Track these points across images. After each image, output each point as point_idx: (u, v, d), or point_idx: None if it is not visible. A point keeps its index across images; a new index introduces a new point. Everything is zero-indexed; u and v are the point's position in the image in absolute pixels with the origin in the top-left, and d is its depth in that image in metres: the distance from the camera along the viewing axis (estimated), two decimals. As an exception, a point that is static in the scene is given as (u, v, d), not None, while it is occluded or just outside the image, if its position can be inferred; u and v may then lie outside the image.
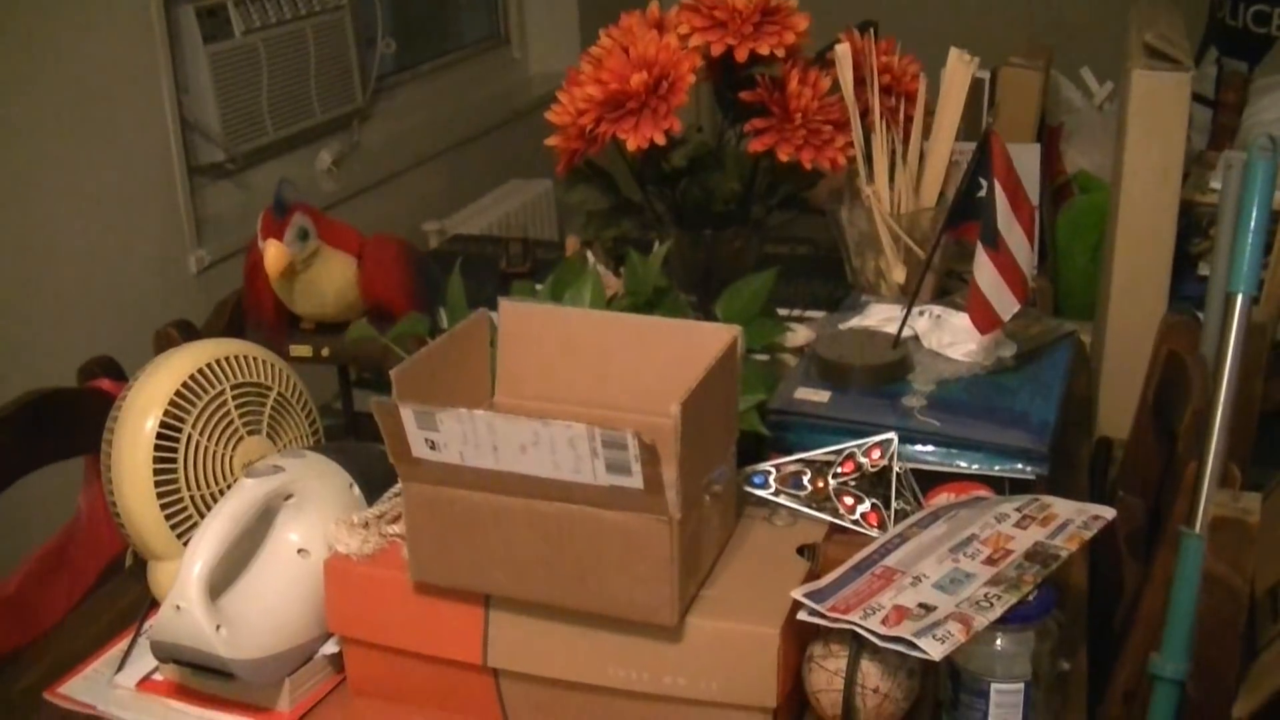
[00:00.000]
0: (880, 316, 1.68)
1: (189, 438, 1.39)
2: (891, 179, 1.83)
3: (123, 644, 1.38)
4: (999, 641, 1.16)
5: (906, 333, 1.60)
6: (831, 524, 1.35)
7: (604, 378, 1.36)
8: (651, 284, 1.56)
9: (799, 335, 1.68)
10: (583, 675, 1.20)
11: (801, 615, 1.16)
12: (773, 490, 1.38)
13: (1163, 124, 1.87)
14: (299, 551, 1.30)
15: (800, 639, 1.19)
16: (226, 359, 1.45)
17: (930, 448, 1.44)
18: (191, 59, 2.72)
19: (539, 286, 1.58)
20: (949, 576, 1.19)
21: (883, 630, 1.12)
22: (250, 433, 1.46)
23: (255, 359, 1.48)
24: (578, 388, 1.37)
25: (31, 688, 1.34)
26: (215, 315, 1.99)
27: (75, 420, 1.68)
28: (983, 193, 1.50)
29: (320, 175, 3.20)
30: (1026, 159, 1.95)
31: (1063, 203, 2.33)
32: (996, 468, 1.43)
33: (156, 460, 1.37)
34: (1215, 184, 2.23)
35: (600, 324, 1.39)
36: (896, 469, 1.38)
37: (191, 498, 1.39)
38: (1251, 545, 1.32)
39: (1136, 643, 1.56)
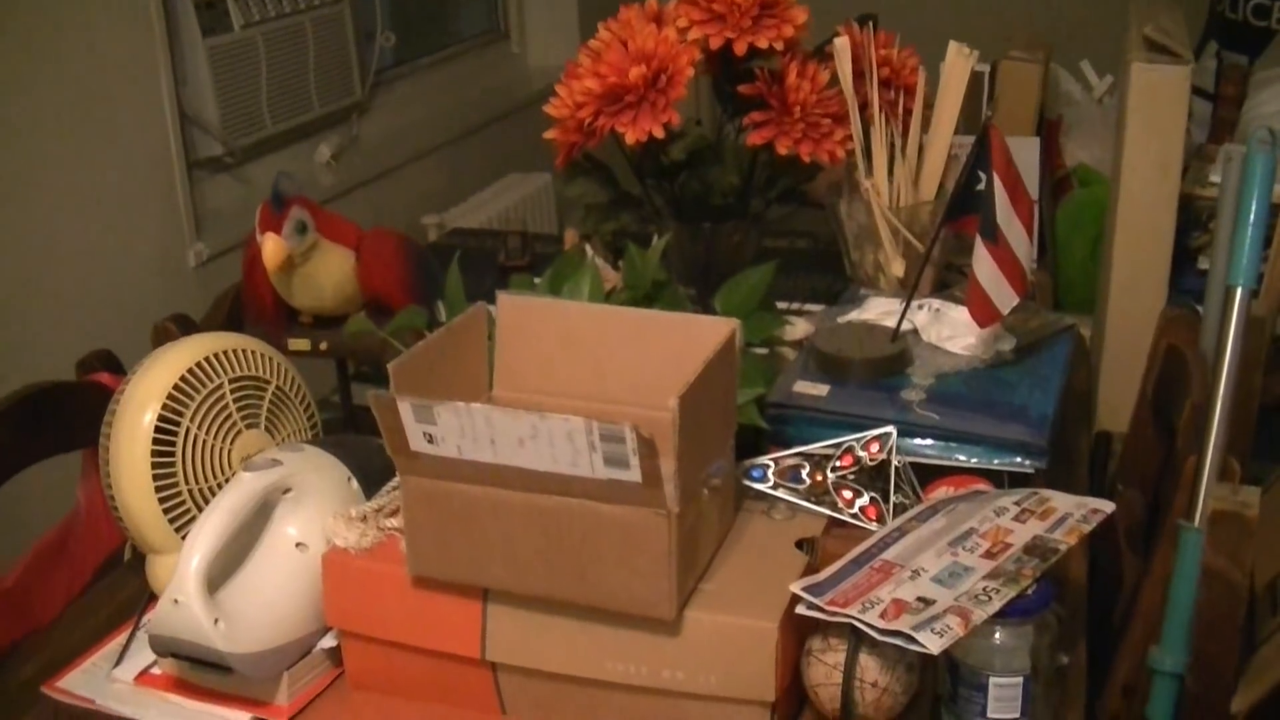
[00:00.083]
0: (879, 310, 1.67)
1: (187, 431, 1.39)
2: (890, 172, 1.83)
3: (121, 638, 1.37)
4: (998, 635, 1.16)
5: (905, 326, 1.60)
6: (830, 518, 1.35)
7: (602, 371, 1.36)
8: (650, 277, 1.55)
9: (798, 329, 1.68)
10: (581, 669, 1.20)
11: (800, 609, 1.16)
12: (771, 484, 1.38)
13: (1162, 117, 1.87)
14: (297, 545, 1.30)
15: (799, 633, 1.19)
16: (224, 353, 1.44)
17: (929, 441, 1.44)
18: (190, 53, 2.72)
19: (537, 280, 1.58)
20: (948, 570, 1.19)
21: (881, 624, 1.12)
22: (248, 426, 1.46)
23: (253, 353, 1.48)
24: (576, 381, 1.37)
25: (30, 681, 1.34)
26: (214, 309, 1.99)
27: (74, 414, 1.68)
28: (982, 186, 1.50)
29: (319, 169, 3.20)
30: (1026, 152, 1.94)
31: (1062, 196, 2.33)
32: (995, 461, 1.43)
33: (155, 454, 1.36)
34: (1215, 177, 2.23)
35: (599, 317, 1.38)
36: (895, 463, 1.38)
37: (190, 491, 1.39)
38: (1250, 539, 1.32)
39: (1136, 636, 1.56)
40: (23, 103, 2.34)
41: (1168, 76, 1.86)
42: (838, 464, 1.39)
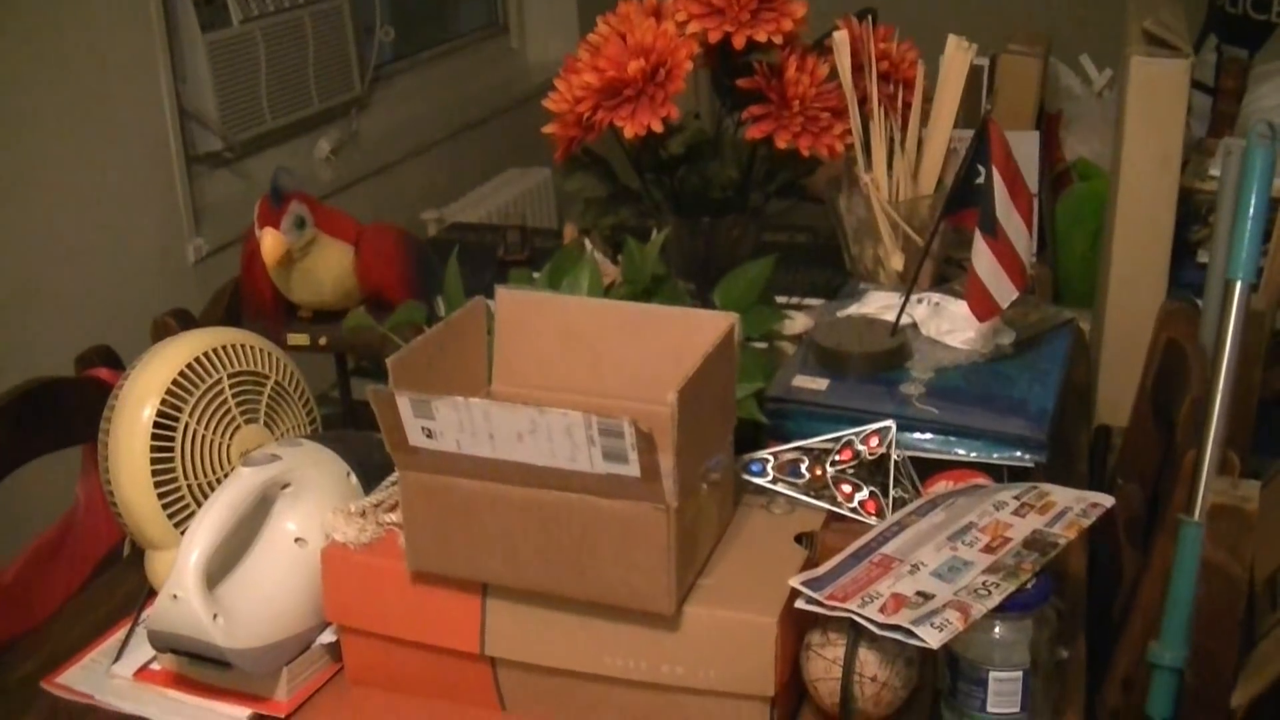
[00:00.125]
0: (878, 304, 1.67)
1: (186, 426, 1.39)
2: (890, 166, 1.83)
3: (120, 633, 1.37)
4: (997, 629, 1.16)
5: (905, 320, 1.59)
6: (829, 512, 1.35)
7: (601, 366, 1.36)
8: (649, 272, 1.55)
9: (797, 323, 1.68)
10: (580, 664, 1.20)
11: (799, 603, 1.16)
12: (770, 478, 1.38)
13: (1162, 111, 1.87)
14: (296, 540, 1.30)
15: (798, 627, 1.19)
16: (224, 348, 1.44)
17: (928, 435, 1.44)
18: (189, 48, 2.72)
19: (536, 275, 1.58)
20: (947, 564, 1.19)
21: (880, 618, 1.12)
22: (247, 421, 1.45)
23: (252, 348, 1.47)
24: (575, 376, 1.37)
25: (29, 677, 1.34)
26: (213, 304, 1.99)
27: (73, 410, 1.68)
28: (981, 180, 1.50)
29: (319, 164, 3.20)
30: (1025, 146, 1.94)
31: (1062, 190, 2.33)
32: (995, 455, 1.43)
33: (154, 449, 1.36)
34: (1214, 171, 2.22)
35: (597, 312, 1.38)
36: (895, 457, 1.38)
37: (189, 487, 1.39)
38: (1250, 533, 1.32)
39: (1135, 631, 1.56)
40: (23, 99, 2.34)
41: (1167, 70, 1.86)
42: (837, 458, 1.39)
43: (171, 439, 1.37)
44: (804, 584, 1.17)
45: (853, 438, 1.39)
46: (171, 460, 1.37)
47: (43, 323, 2.37)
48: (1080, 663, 1.29)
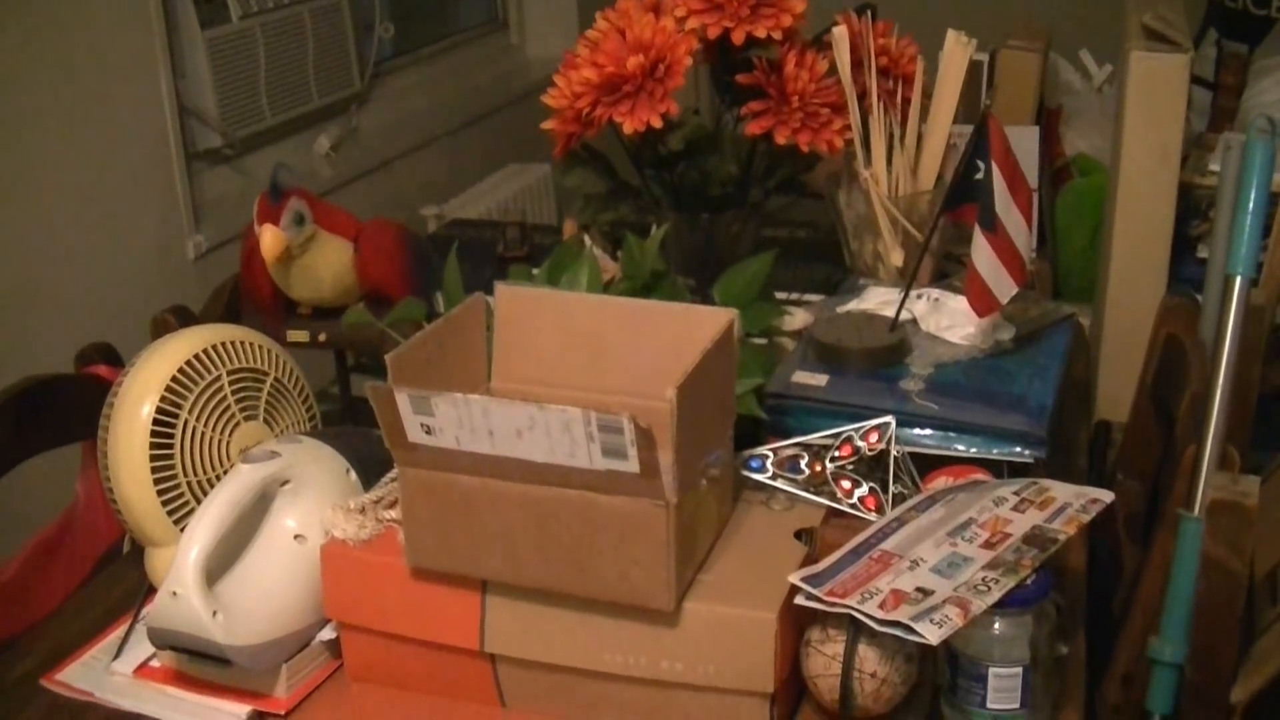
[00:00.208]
0: (878, 300, 1.67)
1: (185, 423, 1.39)
2: (889, 162, 1.82)
3: (120, 630, 1.37)
4: (997, 625, 1.16)
5: (904, 316, 1.59)
6: (829, 508, 1.35)
7: (600, 362, 1.36)
8: (649, 268, 1.55)
9: (797, 319, 1.68)
10: (580, 660, 1.20)
11: (799, 600, 1.16)
12: (770, 474, 1.38)
13: (1161, 106, 1.87)
14: (296, 537, 1.30)
15: (798, 623, 1.19)
16: (223, 344, 1.44)
17: (928, 431, 1.44)
18: (189, 44, 2.71)
19: (536, 271, 1.58)
20: (947, 560, 1.19)
21: (880, 614, 1.12)
22: (247, 418, 1.45)
23: (252, 344, 1.47)
24: (574, 372, 1.37)
25: (29, 674, 1.34)
26: (212, 300, 1.99)
27: (72, 407, 1.68)
28: (980, 175, 1.50)
29: (319, 160, 3.19)
30: (1025, 142, 1.94)
31: (1062, 185, 2.33)
32: (994, 451, 1.43)
33: (153, 446, 1.36)
34: (1214, 166, 2.22)
35: (597, 308, 1.38)
36: (894, 452, 1.38)
37: (188, 484, 1.39)
38: (1250, 528, 1.31)
39: (1135, 626, 1.56)
40: (22, 96, 2.34)
41: (1167, 65, 1.86)
42: (836, 454, 1.39)
43: (171, 436, 1.37)
44: (803, 580, 1.17)
45: (852, 433, 1.39)
46: (171, 457, 1.37)
47: (42, 320, 2.37)
48: (1080, 658, 1.29)
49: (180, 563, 1.21)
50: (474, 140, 3.74)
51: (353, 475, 1.36)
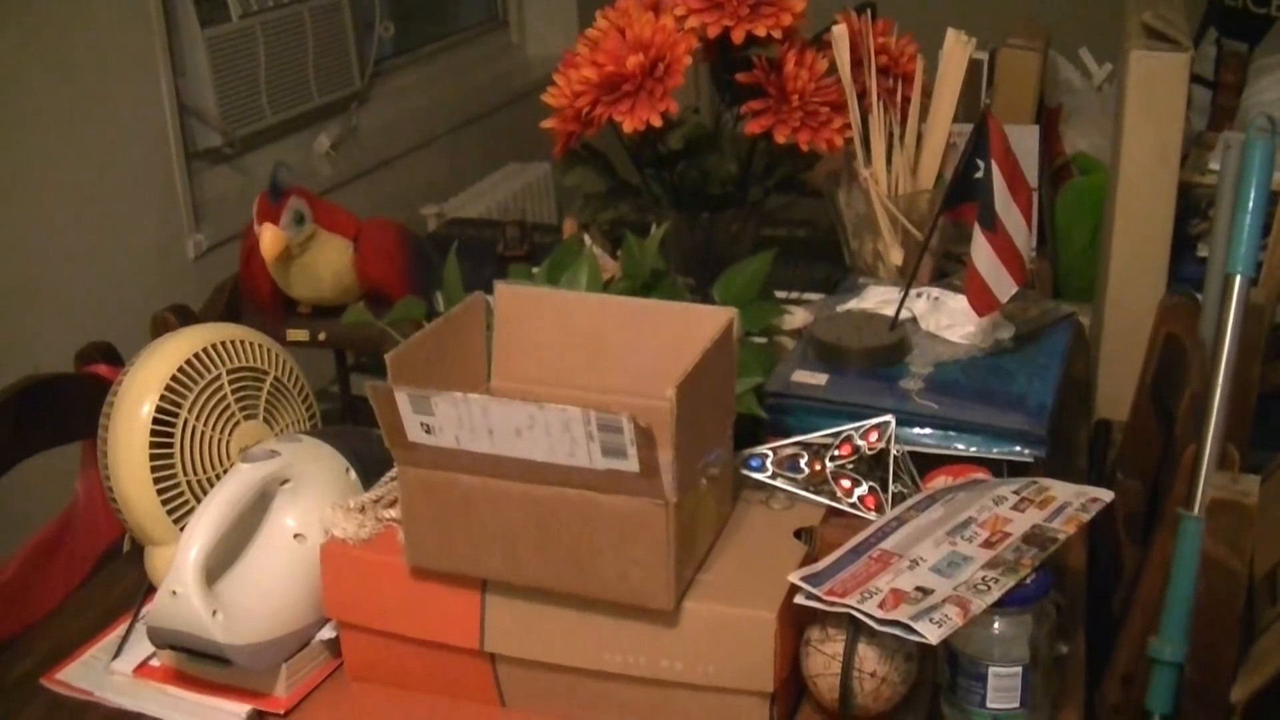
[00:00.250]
0: (878, 299, 1.67)
1: (185, 423, 1.39)
2: (889, 161, 1.82)
3: (120, 629, 1.37)
4: (996, 625, 1.16)
5: (904, 315, 1.59)
6: (829, 507, 1.35)
7: (600, 361, 1.36)
8: (648, 267, 1.55)
9: (796, 318, 1.68)
10: (579, 660, 1.20)
11: (799, 599, 1.16)
12: (770, 473, 1.38)
13: (1161, 105, 1.86)
14: (295, 536, 1.30)
15: (797, 623, 1.19)
16: (223, 344, 1.44)
17: (928, 430, 1.44)
18: (188, 43, 2.71)
19: (536, 270, 1.57)
20: (946, 560, 1.19)
21: (880, 614, 1.12)
22: (247, 417, 1.45)
23: (251, 344, 1.47)
24: (574, 371, 1.37)
25: (29, 673, 1.34)
26: (212, 299, 1.99)
27: (72, 406, 1.68)
28: (980, 174, 1.50)
29: (318, 159, 3.19)
30: (1025, 140, 1.94)
31: (1062, 184, 2.33)
32: (994, 450, 1.43)
33: (153, 445, 1.36)
34: (1214, 165, 2.22)
35: (596, 307, 1.38)
36: (894, 452, 1.38)
37: (188, 483, 1.39)
38: (1250, 528, 1.31)
39: (1135, 625, 1.56)
40: (22, 95, 2.33)
41: (1167, 64, 1.85)
42: (836, 453, 1.39)
43: (171, 435, 1.37)
44: (803, 579, 1.17)
45: (852, 433, 1.39)
46: (171, 456, 1.37)
47: (42, 319, 2.37)
48: (1080, 657, 1.29)
49: (180, 562, 1.21)
50: (474, 139, 3.74)
51: (352, 474, 1.36)
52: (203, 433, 1.40)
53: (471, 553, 1.18)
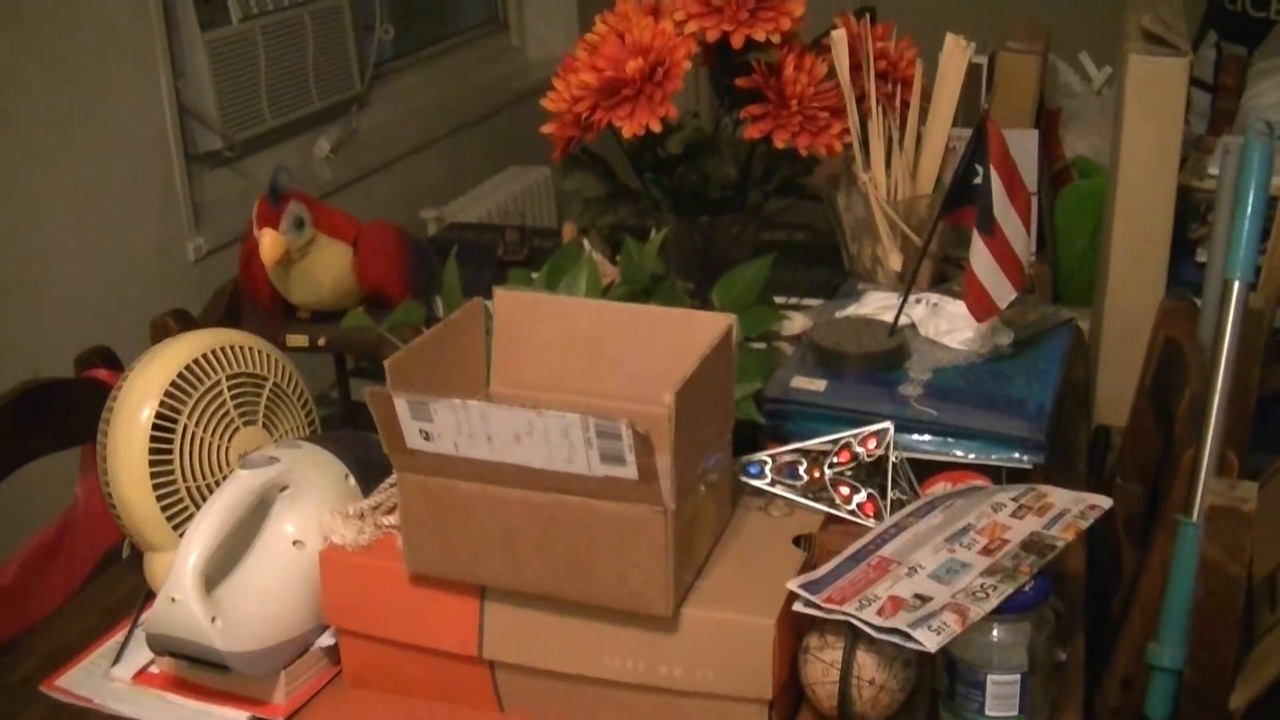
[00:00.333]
0: (877, 304, 1.67)
1: (185, 428, 1.39)
2: (888, 165, 1.82)
3: (119, 636, 1.37)
4: (995, 632, 1.16)
5: (903, 320, 1.59)
6: (827, 514, 1.35)
7: (599, 366, 1.36)
8: (648, 271, 1.55)
9: (795, 323, 1.68)
10: (578, 666, 1.20)
11: (797, 606, 1.16)
12: (769, 480, 1.38)
13: (1160, 109, 1.87)
14: (294, 543, 1.30)
15: (796, 630, 1.19)
16: (222, 349, 1.44)
17: (927, 436, 1.44)
18: (188, 46, 2.71)
19: (535, 274, 1.57)
20: (945, 567, 1.19)
21: (878, 621, 1.12)
22: (246, 423, 1.45)
23: (251, 349, 1.47)
24: (573, 376, 1.37)
25: (28, 679, 1.34)
26: (213, 303, 1.99)
27: (71, 410, 1.68)
28: (979, 179, 1.50)
29: (318, 162, 3.19)
30: (1025, 144, 1.94)
31: (1061, 188, 2.33)
32: (993, 456, 1.42)
33: (152, 451, 1.36)
34: (1213, 169, 2.22)
35: (596, 312, 1.38)
36: (893, 458, 1.38)
37: (187, 489, 1.39)
38: (1248, 533, 1.31)
39: (1134, 630, 1.56)
40: (22, 98, 2.33)
41: (1166, 68, 1.85)
42: (835, 460, 1.39)
43: (170, 440, 1.37)
44: (802, 586, 1.17)
45: (851, 439, 1.39)
46: (170, 462, 1.37)
47: (42, 321, 2.37)
48: (1079, 662, 1.29)
49: (179, 568, 1.21)
50: (474, 142, 3.74)
51: (352, 480, 1.36)
52: (202, 438, 1.40)
53: (470, 559, 1.18)
